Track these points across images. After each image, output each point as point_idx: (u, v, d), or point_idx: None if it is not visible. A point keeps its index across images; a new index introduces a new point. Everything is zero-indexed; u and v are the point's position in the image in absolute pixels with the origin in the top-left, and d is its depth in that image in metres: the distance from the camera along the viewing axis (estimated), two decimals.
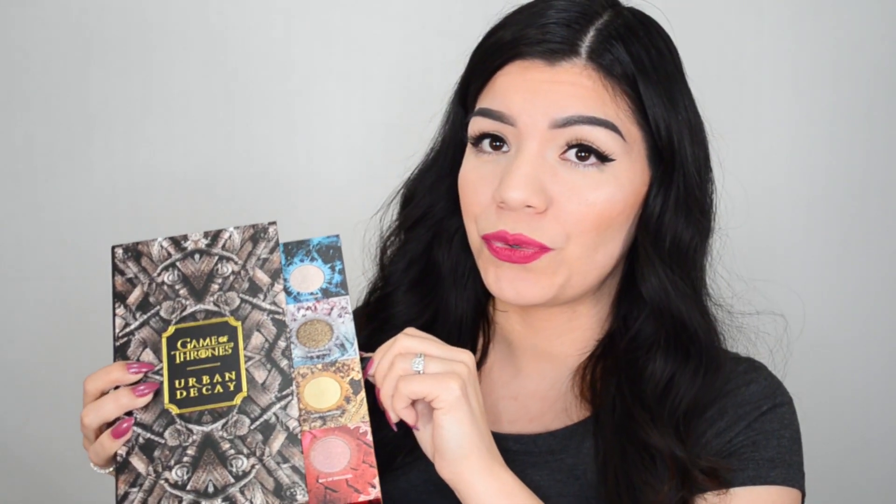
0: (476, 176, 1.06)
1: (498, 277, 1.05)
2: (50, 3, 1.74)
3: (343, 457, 0.98)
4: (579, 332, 1.12)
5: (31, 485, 1.81)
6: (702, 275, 1.11)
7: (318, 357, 1.02)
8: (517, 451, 1.07)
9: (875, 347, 1.81)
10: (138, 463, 0.96)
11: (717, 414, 1.07)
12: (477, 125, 1.06)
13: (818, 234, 1.78)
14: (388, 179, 1.20)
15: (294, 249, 1.07)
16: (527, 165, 1.01)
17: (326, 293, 1.05)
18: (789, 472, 1.06)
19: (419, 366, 0.97)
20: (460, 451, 0.96)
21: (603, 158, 1.02)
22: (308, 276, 1.06)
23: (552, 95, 1.02)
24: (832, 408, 1.79)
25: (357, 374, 1.01)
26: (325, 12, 1.75)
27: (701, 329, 1.08)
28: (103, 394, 0.98)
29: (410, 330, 1.00)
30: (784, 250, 1.78)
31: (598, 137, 1.02)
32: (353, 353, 1.02)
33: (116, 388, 0.98)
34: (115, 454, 0.97)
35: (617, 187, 1.03)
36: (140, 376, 0.98)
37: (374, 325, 1.16)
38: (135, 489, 0.96)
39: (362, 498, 0.97)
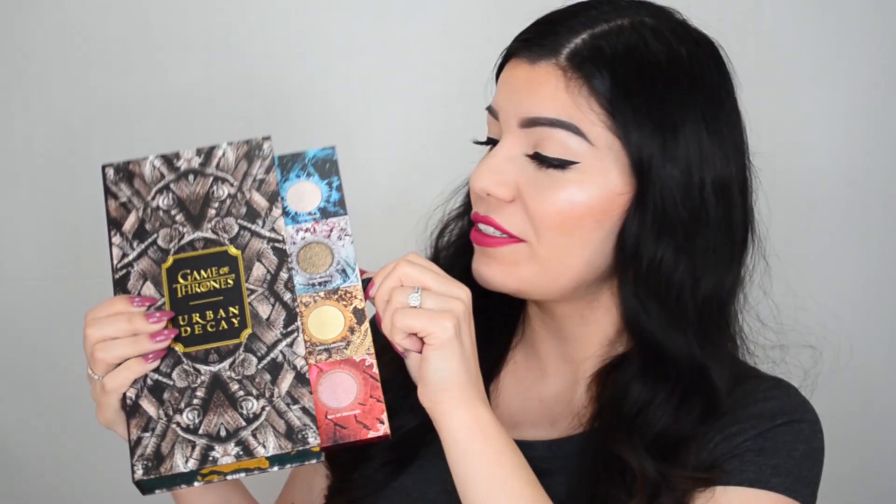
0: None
1: (474, 260, 1.08)
2: (50, 3, 1.74)
3: (350, 391, 0.97)
4: (595, 337, 1.11)
5: (31, 485, 1.81)
6: (693, 298, 1.04)
7: (319, 284, 1.00)
8: (532, 458, 1.04)
9: (877, 345, 1.80)
10: (148, 406, 0.95)
11: (730, 421, 1.03)
12: (487, 120, 1.10)
13: (818, 237, 1.78)
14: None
15: (289, 164, 1.04)
16: (495, 158, 1.04)
17: (325, 213, 1.03)
18: (794, 483, 1.01)
19: (416, 301, 0.97)
20: (443, 384, 0.96)
21: (559, 165, 1.02)
22: (304, 193, 1.03)
23: (523, 94, 1.04)
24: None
25: (360, 303, 1.00)
26: (326, 11, 1.75)
27: (681, 351, 1.04)
28: (105, 350, 0.95)
29: (413, 256, 1.00)
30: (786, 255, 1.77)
31: (560, 140, 1.02)
32: (355, 280, 1.01)
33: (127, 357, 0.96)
34: (125, 398, 0.96)
35: (580, 188, 1.02)
36: (143, 308, 0.97)
37: None
38: (147, 434, 0.94)
39: (371, 434, 0.96)
